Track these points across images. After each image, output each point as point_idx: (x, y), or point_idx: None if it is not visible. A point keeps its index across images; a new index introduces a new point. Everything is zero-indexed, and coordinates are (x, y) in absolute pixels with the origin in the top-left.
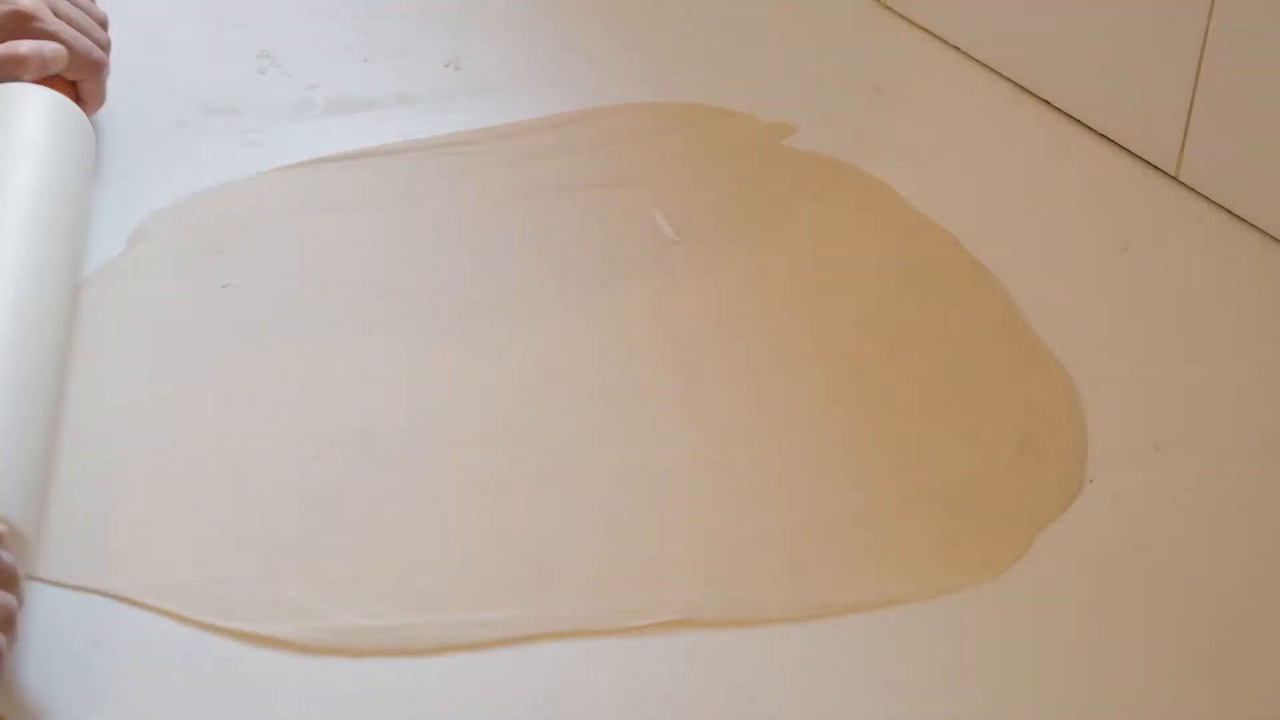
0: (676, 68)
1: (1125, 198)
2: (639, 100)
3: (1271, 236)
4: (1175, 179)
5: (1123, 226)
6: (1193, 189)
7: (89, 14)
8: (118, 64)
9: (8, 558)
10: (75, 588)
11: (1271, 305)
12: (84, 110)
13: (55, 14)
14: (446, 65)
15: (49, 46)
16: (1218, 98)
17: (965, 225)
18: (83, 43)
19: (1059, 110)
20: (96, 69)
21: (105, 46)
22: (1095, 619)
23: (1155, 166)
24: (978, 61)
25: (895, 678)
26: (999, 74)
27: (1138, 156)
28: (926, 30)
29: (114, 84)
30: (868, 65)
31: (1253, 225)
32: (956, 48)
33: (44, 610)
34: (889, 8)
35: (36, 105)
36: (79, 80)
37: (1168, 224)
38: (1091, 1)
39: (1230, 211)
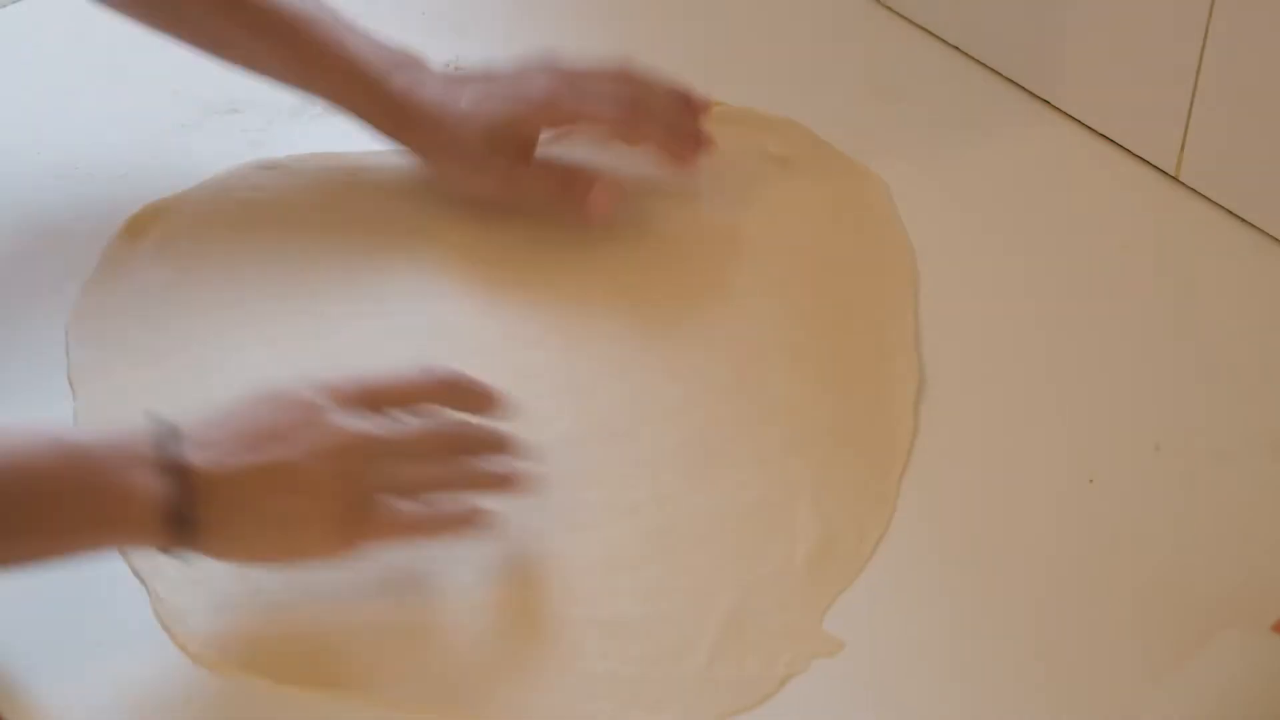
0: (676, 67)
1: (1125, 198)
2: None
3: (1271, 236)
4: (1175, 179)
5: (1123, 226)
6: (1193, 189)
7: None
8: (120, 65)
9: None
10: None
11: (1271, 305)
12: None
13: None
14: (446, 65)
15: None
16: (1218, 98)
17: (965, 225)
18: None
19: (1059, 110)
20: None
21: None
22: (1095, 618)
23: (1155, 166)
24: (978, 61)
25: (896, 681)
26: (999, 74)
27: (1138, 156)
28: (926, 30)
29: (115, 85)
30: (868, 65)
31: (1253, 225)
32: (956, 48)
33: (45, 610)
34: (889, 8)
35: None
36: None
37: (1168, 224)
38: (1091, 2)
39: (1230, 211)
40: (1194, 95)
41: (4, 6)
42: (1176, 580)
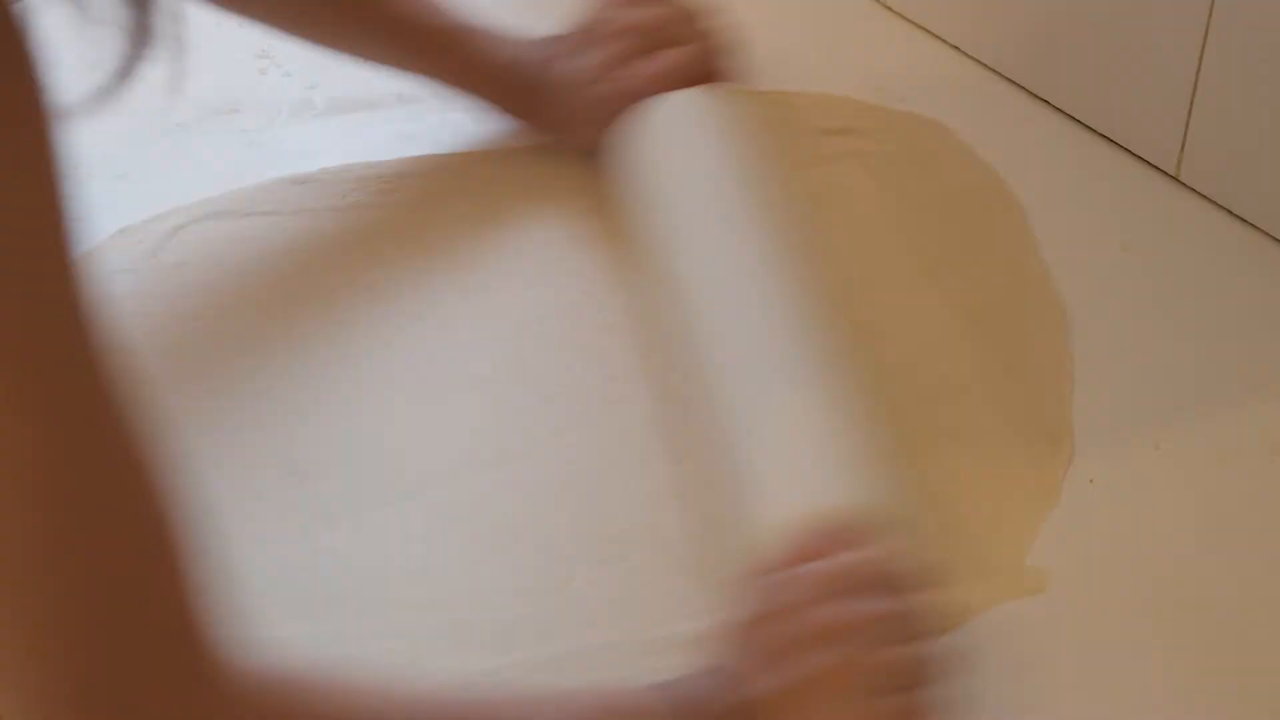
0: None
1: (1125, 198)
2: None
3: (1271, 236)
4: (1175, 179)
5: (1123, 226)
6: (1193, 189)
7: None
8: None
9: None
10: None
11: (1271, 305)
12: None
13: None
14: None
15: (673, 55)
16: (1218, 98)
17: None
18: (705, 44)
19: (1059, 110)
20: (718, 67)
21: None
22: (1095, 618)
23: (1155, 166)
24: (978, 61)
25: None
26: (999, 74)
27: (1138, 156)
28: (926, 30)
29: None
30: (868, 65)
31: (1252, 225)
32: (956, 48)
33: None
34: (889, 8)
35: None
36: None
37: (1168, 224)
38: (1092, 2)
39: (1230, 211)
40: (1194, 95)
41: None
42: (1176, 580)
